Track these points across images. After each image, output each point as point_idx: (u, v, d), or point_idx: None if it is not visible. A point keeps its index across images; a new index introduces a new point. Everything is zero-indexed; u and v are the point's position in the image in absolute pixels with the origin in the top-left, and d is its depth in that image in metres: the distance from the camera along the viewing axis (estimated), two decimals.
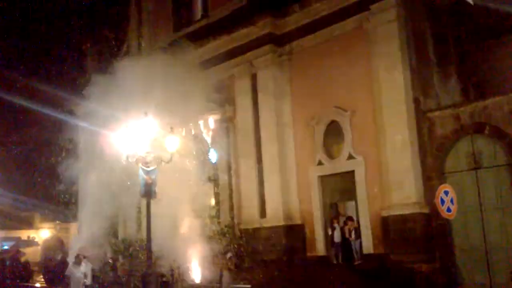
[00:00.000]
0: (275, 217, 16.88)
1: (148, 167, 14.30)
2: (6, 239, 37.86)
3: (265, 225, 16.96)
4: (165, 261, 18.04)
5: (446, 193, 10.72)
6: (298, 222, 16.83)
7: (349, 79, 15.67)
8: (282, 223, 16.66)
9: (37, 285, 16.85)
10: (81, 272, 13.07)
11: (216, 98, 18.73)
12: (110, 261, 20.82)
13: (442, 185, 11.11)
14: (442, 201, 10.61)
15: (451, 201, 10.74)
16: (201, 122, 19.24)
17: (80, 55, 26.28)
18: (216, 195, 19.48)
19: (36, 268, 15.98)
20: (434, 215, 13.25)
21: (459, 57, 14.62)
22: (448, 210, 10.71)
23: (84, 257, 14.01)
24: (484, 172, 13.59)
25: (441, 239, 13.77)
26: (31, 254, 26.61)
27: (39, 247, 38.81)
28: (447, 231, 13.70)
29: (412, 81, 14.73)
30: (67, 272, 12.94)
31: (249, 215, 17.63)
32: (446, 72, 14.94)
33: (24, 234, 40.05)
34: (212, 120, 19.14)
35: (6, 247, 31.44)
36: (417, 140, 14.57)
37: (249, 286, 13.82)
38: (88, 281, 13.65)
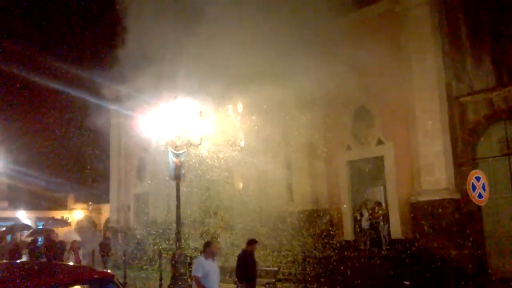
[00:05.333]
0: (302, 201, 16.92)
1: (178, 150, 14.49)
2: (41, 219, 38.98)
3: (293, 209, 17.03)
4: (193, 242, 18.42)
5: (478, 179, 10.53)
6: (326, 207, 16.85)
7: (379, 63, 15.46)
8: (309, 207, 16.70)
9: (70, 263, 17.32)
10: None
11: None
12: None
13: (474, 171, 10.93)
14: (473, 187, 10.44)
15: (483, 187, 10.54)
16: (229, 106, 19.34)
17: (111, 40, 26.60)
18: (244, 179, 19.62)
19: (68, 247, 16.44)
20: (464, 201, 13.08)
21: (493, 41, 14.24)
22: (480, 196, 10.53)
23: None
24: None
25: (471, 225, 13.61)
26: (65, 234, 27.29)
27: (72, 228, 39.91)
28: (477, 217, 13.53)
29: (445, 65, 14.49)
30: None
31: (276, 199, 17.70)
32: (479, 56, 14.60)
33: (58, 214, 41.13)
34: (240, 105, 19.22)
35: (40, 227, 32.35)
36: (449, 125, 14.36)
37: (276, 268, 13.93)
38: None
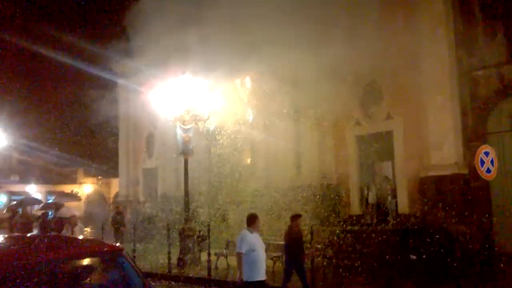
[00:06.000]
0: (311, 175, 16.95)
1: (186, 125, 14.51)
2: (51, 193, 39.49)
3: (301, 183, 17.06)
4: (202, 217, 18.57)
5: (486, 154, 10.44)
6: (334, 181, 16.88)
7: (389, 37, 15.24)
8: (317, 181, 16.72)
9: (80, 236, 17.58)
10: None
11: None
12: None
13: (483, 146, 10.82)
14: (482, 162, 10.36)
15: (491, 162, 10.46)
16: (238, 81, 19.26)
17: (120, 14, 26.42)
18: (252, 154, 19.66)
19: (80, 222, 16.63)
20: (473, 176, 13.01)
21: (506, 15, 13.97)
22: (488, 171, 10.45)
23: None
24: None
25: (479, 201, 13.57)
26: (74, 208, 27.62)
27: (82, 201, 40.37)
28: (486, 193, 13.47)
29: (456, 40, 14.27)
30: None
31: (285, 172, 17.73)
32: (491, 31, 14.35)
33: (68, 188, 41.63)
34: (248, 79, 19.13)
35: (50, 201, 32.77)
36: (459, 100, 14.22)
37: (282, 242, 14.01)
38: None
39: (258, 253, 7.83)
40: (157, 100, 14.95)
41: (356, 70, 16.01)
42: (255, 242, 7.86)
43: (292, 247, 10.29)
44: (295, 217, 10.64)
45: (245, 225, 8.15)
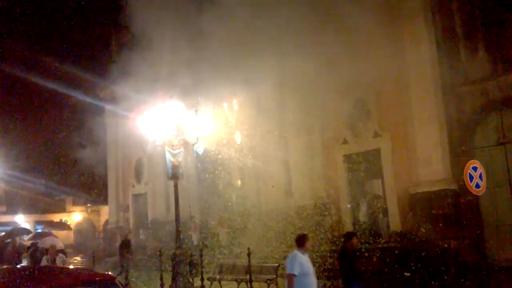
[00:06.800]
0: (301, 196, 16.94)
1: (175, 149, 14.48)
2: (39, 222, 38.97)
3: (291, 204, 17.04)
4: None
5: (475, 169, 10.56)
6: (324, 201, 16.87)
7: (374, 55, 15.45)
8: (308, 202, 16.71)
9: (71, 266, 17.34)
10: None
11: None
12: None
13: (471, 161, 10.94)
14: (471, 177, 10.47)
15: (480, 177, 10.57)
16: (225, 105, 19.34)
17: (107, 40, 26.56)
18: (242, 176, 19.64)
19: (70, 250, 16.40)
20: (462, 191, 13.09)
21: (487, 30, 14.25)
22: (477, 186, 10.56)
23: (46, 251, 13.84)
24: None
25: (469, 216, 13.62)
26: (64, 237, 27.32)
27: (71, 231, 39.85)
28: (475, 207, 13.54)
29: (439, 55, 14.49)
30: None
31: (275, 194, 17.71)
32: (473, 46, 14.61)
33: (56, 217, 41.15)
34: (236, 102, 19.21)
35: (39, 231, 32.31)
36: (445, 115, 14.38)
37: (277, 264, 13.94)
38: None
39: (311, 277, 7.16)
40: (145, 125, 14.91)
41: (343, 89, 16.18)
42: (308, 264, 7.18)
43: (349, 272, 8.97)
44: (350, 235, 9.44)
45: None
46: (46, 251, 14.69)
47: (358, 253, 9.34)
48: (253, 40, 15.33)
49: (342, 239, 9.44)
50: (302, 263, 7.05)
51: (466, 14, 14.85)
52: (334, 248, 14.97)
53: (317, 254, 14.44)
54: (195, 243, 18.27)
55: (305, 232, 8.16)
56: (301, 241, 7.39)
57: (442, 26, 14.78)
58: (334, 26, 14.95)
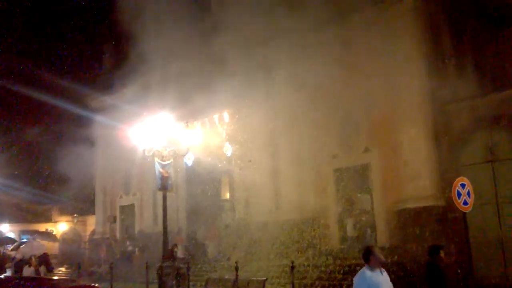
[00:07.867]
0: (289, 210, 16.90)
1: (164, 161, 14.43)
2: (24, 232, 38.45)
3: (280, 218, 16.99)
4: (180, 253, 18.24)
5: (463, 186, 10.62)
6: (313, 215, 16.83)
7: (364, 71, 15.58)
8: (296, 216, 16.68)
9: (55, 277, 17.11)
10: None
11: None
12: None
13: (459, 178, 11.00)
14: (459, 194, 10.53)
15: (468, 194, 10.64)
16: (216, 116, 19.34)
17: (99, 50, 26.51)
18: (231, 188, 19.59)
19: (55, 261, 16.20)
20: (450, 208, 13.15)
21: (475, 48, 14.45)
22: (465, 203, 10.62)
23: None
24: (501, 164, 13.48)
25: (457, 232, 13.66)
26: (49, 247, 26.99)
27: (57, 242, 39.34)
28: (463, 224, 13.57)
29: (428, 73, 14.63)
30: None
31: (263, 207, 17.66)
32: (462, 64, 14.78)
33: (42, 227, 40.60)
34: (226, 114, 19.22)
35: (24, 240, 31.92)
36: (433, 132, 14.49)
37: (264, 278, 13.85)
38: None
39: None
40: (135, 136, 14.87)
41: (333, 105, 16.28)
42: (378, 282, 6.13)
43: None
44: (437, 248, 8.27)
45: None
46: (29, 260, 14.51)
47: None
48: (243, 54, 15.45)
49: (427, 254, 8.32)
50: (371, 281, 6.06)
51: (455, 32, 15.06)
52: (320, 262, 14.95)
53: (302, 268, 14.42)
54: (181, 256, 18.10)
55: (370, 244, 7.18)
56: (365, 256, 6.31)
57: (432, 44, 14.96)
58: (325, 42, 15.10)
